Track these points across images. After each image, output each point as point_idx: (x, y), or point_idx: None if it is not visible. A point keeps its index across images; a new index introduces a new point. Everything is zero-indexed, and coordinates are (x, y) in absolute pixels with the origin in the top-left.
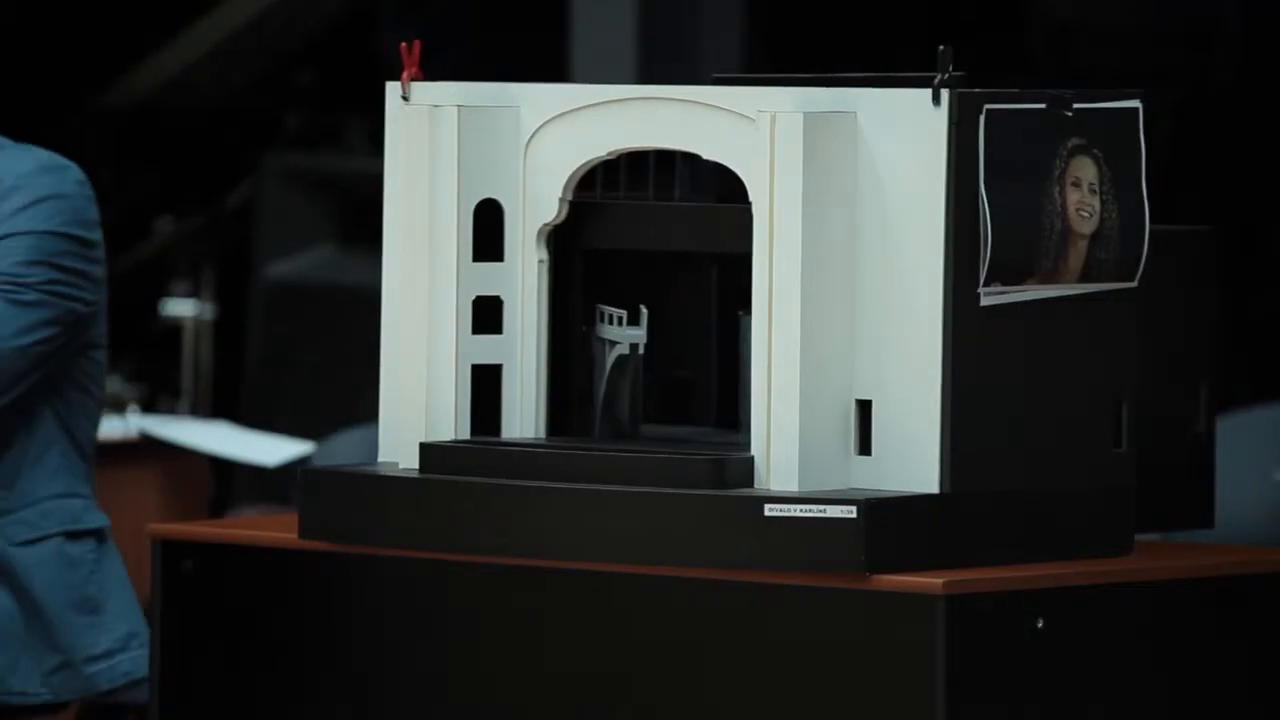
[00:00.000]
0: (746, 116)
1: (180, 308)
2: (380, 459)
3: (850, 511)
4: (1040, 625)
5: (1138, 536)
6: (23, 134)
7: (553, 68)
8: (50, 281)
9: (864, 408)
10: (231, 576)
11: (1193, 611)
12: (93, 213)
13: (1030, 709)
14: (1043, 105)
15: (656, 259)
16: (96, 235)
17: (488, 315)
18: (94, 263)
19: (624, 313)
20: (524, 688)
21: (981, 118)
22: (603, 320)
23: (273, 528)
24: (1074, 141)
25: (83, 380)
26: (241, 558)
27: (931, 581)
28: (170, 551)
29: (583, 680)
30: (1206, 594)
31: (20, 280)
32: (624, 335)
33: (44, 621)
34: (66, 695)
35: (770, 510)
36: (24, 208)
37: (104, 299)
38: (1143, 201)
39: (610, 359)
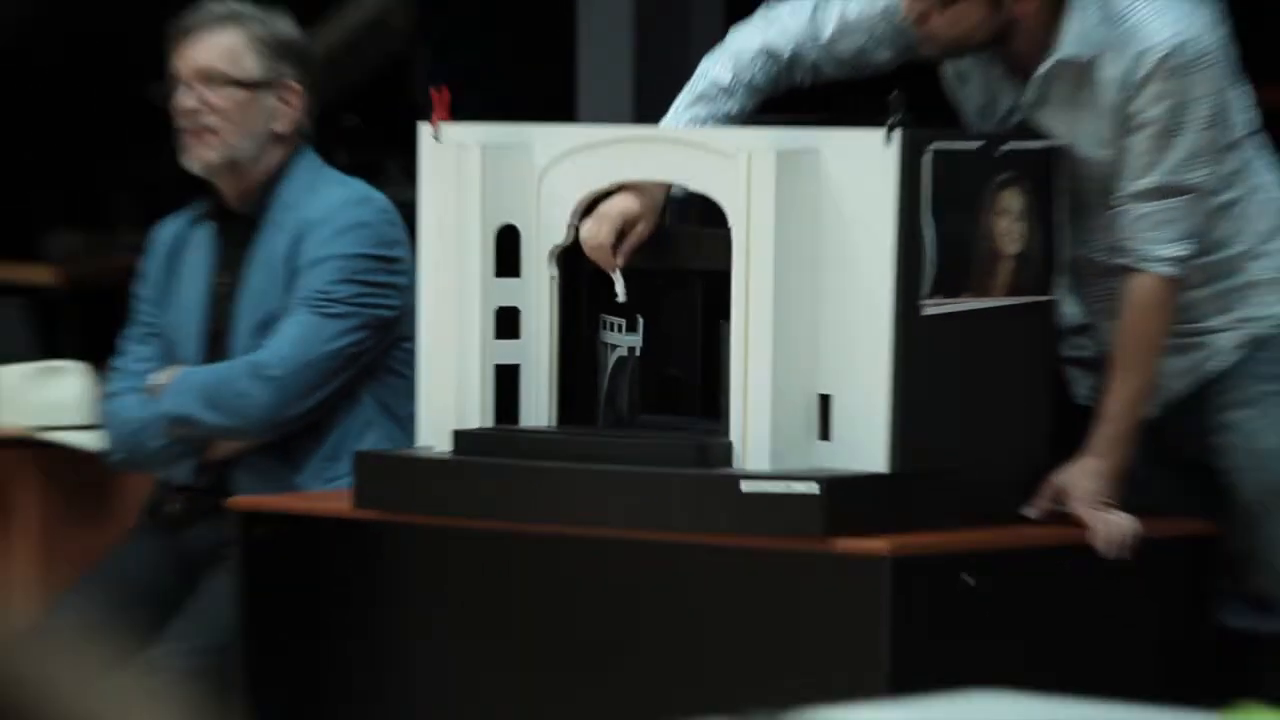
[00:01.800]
0: (727, 154)
1: None
2: (419, 444)
3: (813, 487)
4: (971, 582)
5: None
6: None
7: (561, 108)
8: (356, 295)
9: (824, 401)
10: (297, 540)
11: (1099, 570)
12: (395, 234)
13: (962, 653)
14: (978, 144)
15: (650, 275)
16: (399, 252)
17: (507, 323)
18: (398, 274)
19: (623, 321)
20: (537, 633)
21: (926, 155)
22: (605, 327)
23: (332, 500)
24: (1003, 176)
25: (398, 367)
26: (305, 524)
27: (879, 545)
28: (246, 519)
29: (588, 626)
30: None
31: (330, 296)
32: (623, 340)
33: None
34: None
35: (745, 486)
36: (333, 236)
37: (411, 302)
38: (1061, 227)
39: (611, 360)
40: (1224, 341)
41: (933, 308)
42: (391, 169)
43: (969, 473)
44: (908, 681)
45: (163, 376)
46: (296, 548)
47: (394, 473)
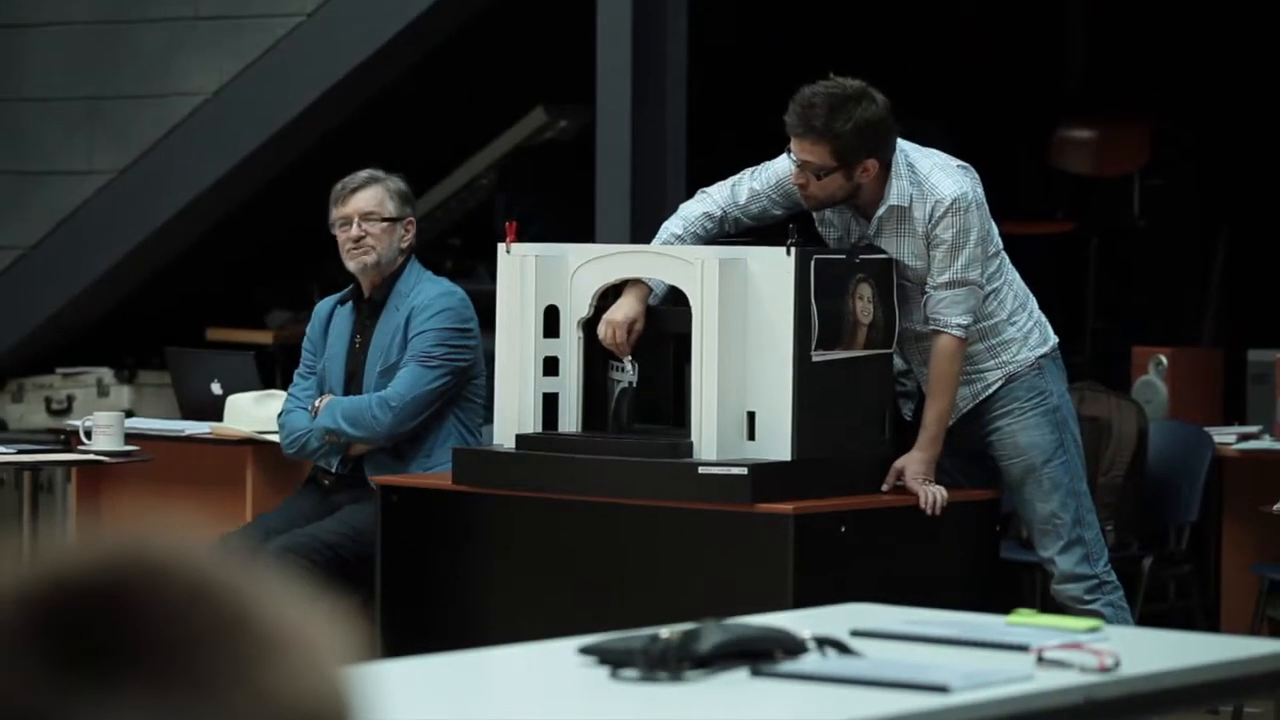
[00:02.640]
0: (689, 261)
1: None
2: (496, 441)
3: (744, 471)
4: (843, 530)
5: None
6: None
7: (586, 233)
8: (445, 354)
9: (751, 415)
10: (417, 505)
11: (924, 523)
12: (469, 314)
13: (840, 579)
14: (843, 256)
15: (642, 335)
16: (471, 325)
17: (551, 366)
18: (470, 339)
19: (624, 364)
20: (569, 561)
21: (811, 263)
22: (612, 370)
23: (439, 479)
24: (858, 276)
25: (471, 397)
26: (422, 494)
27: (786, 508)
28: (386, 491)
29: (601, 557)
30: (924, 512)
31: (429, 355)
32: (624, 377)
33: None
34: None
35: (702, 470)
36: (431, 316)
37: (479, 356)
38: (894, 308)
39: (616, 390)
40: (991, 377)
41: (818, 356)
42: (480, 271)
43: (841, 459)
44: (805, 599)
45: (319, 402)
46: (416, 509)
47: (479, 461)
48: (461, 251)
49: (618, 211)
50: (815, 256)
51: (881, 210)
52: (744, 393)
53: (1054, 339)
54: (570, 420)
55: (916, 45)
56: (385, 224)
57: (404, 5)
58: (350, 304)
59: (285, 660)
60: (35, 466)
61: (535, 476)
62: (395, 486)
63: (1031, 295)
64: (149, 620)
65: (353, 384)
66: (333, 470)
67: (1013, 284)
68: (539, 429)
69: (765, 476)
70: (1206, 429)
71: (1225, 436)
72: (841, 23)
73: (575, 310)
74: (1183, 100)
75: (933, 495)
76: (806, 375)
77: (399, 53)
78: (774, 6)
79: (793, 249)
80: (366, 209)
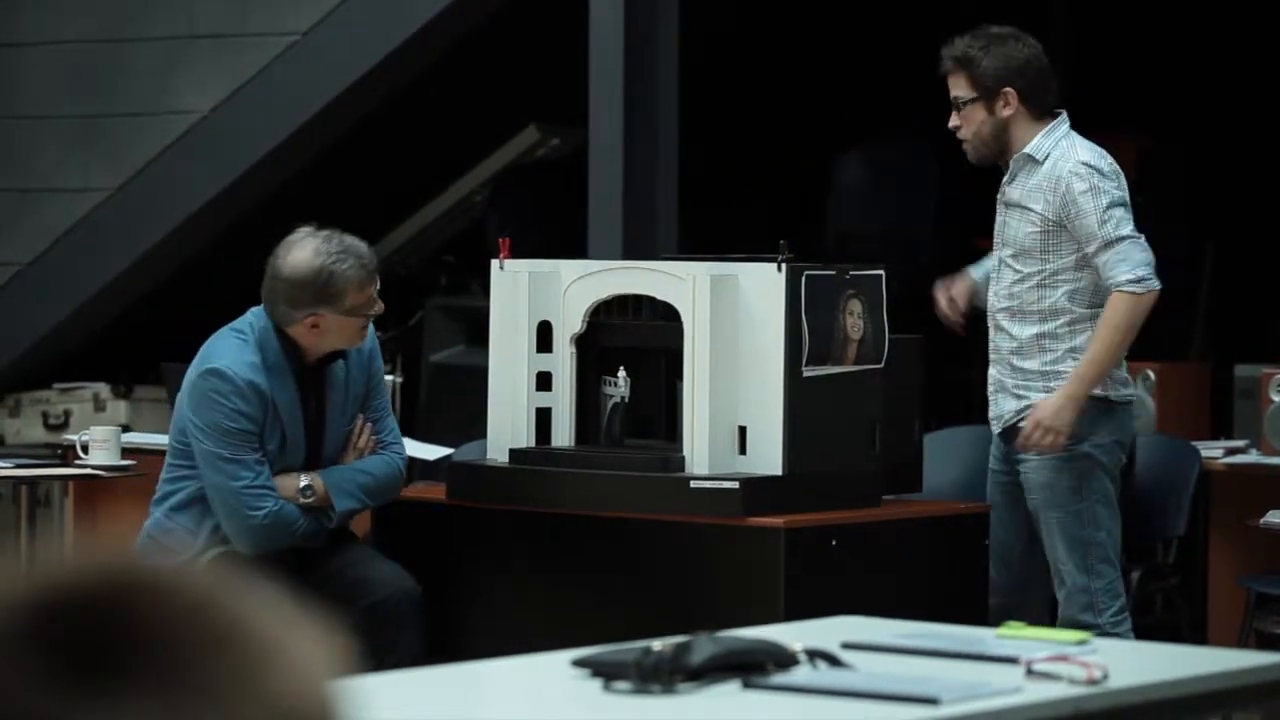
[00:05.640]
0: (680, 277)
1: (386, 379)
2: (489, 456)
3: (735, 484)
4: (834, 544)
5: (884, 496)
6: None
7: (579, 249)
8: None
9: (742, 430)
10: (412, 518)
11: (916, 536)
12: None
13: (829, 592)
14: (833, 272)
15: (634, 352)
16: None
17: (544, 381)
18: None
19: (617, 380)
20: (560, 572)
21: (802, 279)
22: (605, 384)
23: (433, 493)
24: (849, 291)
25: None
26: (417, 507)
27: (777, 521)
28: (381, 506)
29: (592, 569)
30: (921, 527)
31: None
32: (617, 392)
33: None
34: None
35: (694, 484)
36: (379, 355)
37: None
38: (884, 322)
39: (609, 405)
40: (1035, 398)
41: (809, 371)
42: (473, 287)
43: (831, 473)
44: (796, 611)
45: (301, 481)
46: (409, 523)
47: (473, 475)
48: (455, 268)
49: (609, 227)
50: (806, 272)
51: (1018, 154)
52: (735, 407)
53: (1125, 389)
54: (563, 435)
55: (901, 65)
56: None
57: (398, 24)
58: (284, 372)
59: (282, 666)
60: (32, 481)
61: (528, 491)
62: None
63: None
64: (149, 629)
65: (313, 453)
66: (316, 545)
67: (1085, 320)
68: (532, 443)
69: (756, 490)
70: (1194, 443)
71: (1212, 451)
72: (827, 37)
73: (568, 325)
74: (1168, 118)
75: (1031, 435)
76: (797, 390)
77: (393, 71)
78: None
79: (783, 264)
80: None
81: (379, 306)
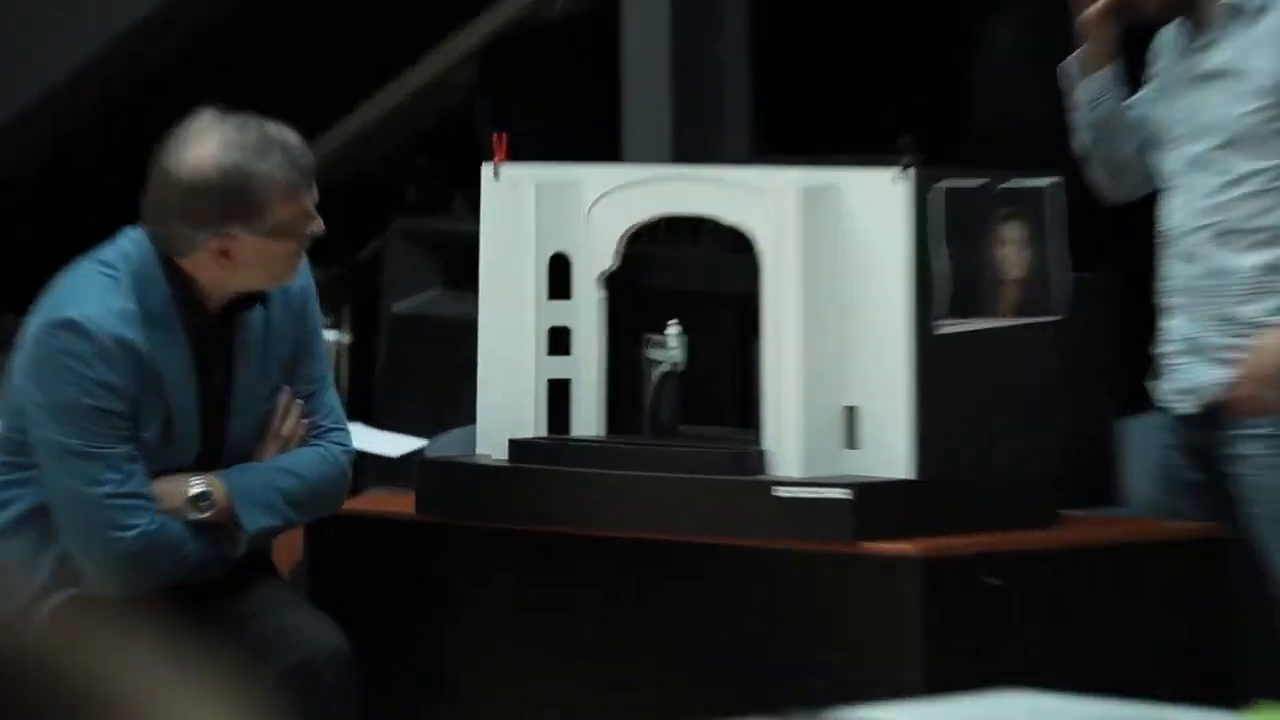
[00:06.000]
0: (756, 189)
1: (326, 336)
2: (478, 451)
3: (843, 493)
4: (988, 580)
5: (1063, 511)
6: None
7: (609, 151)
8: None
9: (851, 412)
10: (363, 541)
11: (1107, 569)
12: None
13: (988, 651)
14: (979, 182)
15: (689, 297)
16: None
17: (559, 341)
18: None
19: (666, 339)
20: (583, 631)
21: (934, 192)
22: (649, 345)
23: (395, 504)
24: (1003, 210)
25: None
26: (371, 527)
27: (907, 548)
28: (317, 522)
29: (632, 625)
30: (1119, 557)
31: (325, 360)
32: (666, 356)
33: None
34: None
35: (778, 492)
36: (316, 300)
37: None
38: (1061, 255)
39: (655, 375)
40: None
41: (946, 328)
42: (457, 204)
43: (985, 479)
44: (939, 679)
45: (192, 486)
46: (361, 549)
47: (454, 479)
48: (428, 174)
49: (652, 117)
50: (941, 182)
51: (1220, 2)
52: (841, 379)
53: None
54: (588, 419)
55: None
56: None
57: None
58: (172, 325)
59: None
60: None
61: (535, 503)
62: (330, 516)
63: None
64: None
65: (213, 445)
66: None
67: None
68: (542, 433)
69: (874, 502)
70: None
71: None
72: None
73: (594, 260)
74: None
75: (1245, 395)
76: (931, 355)
77: None
78: None
79: (907, 170)
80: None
81: (317, 226)
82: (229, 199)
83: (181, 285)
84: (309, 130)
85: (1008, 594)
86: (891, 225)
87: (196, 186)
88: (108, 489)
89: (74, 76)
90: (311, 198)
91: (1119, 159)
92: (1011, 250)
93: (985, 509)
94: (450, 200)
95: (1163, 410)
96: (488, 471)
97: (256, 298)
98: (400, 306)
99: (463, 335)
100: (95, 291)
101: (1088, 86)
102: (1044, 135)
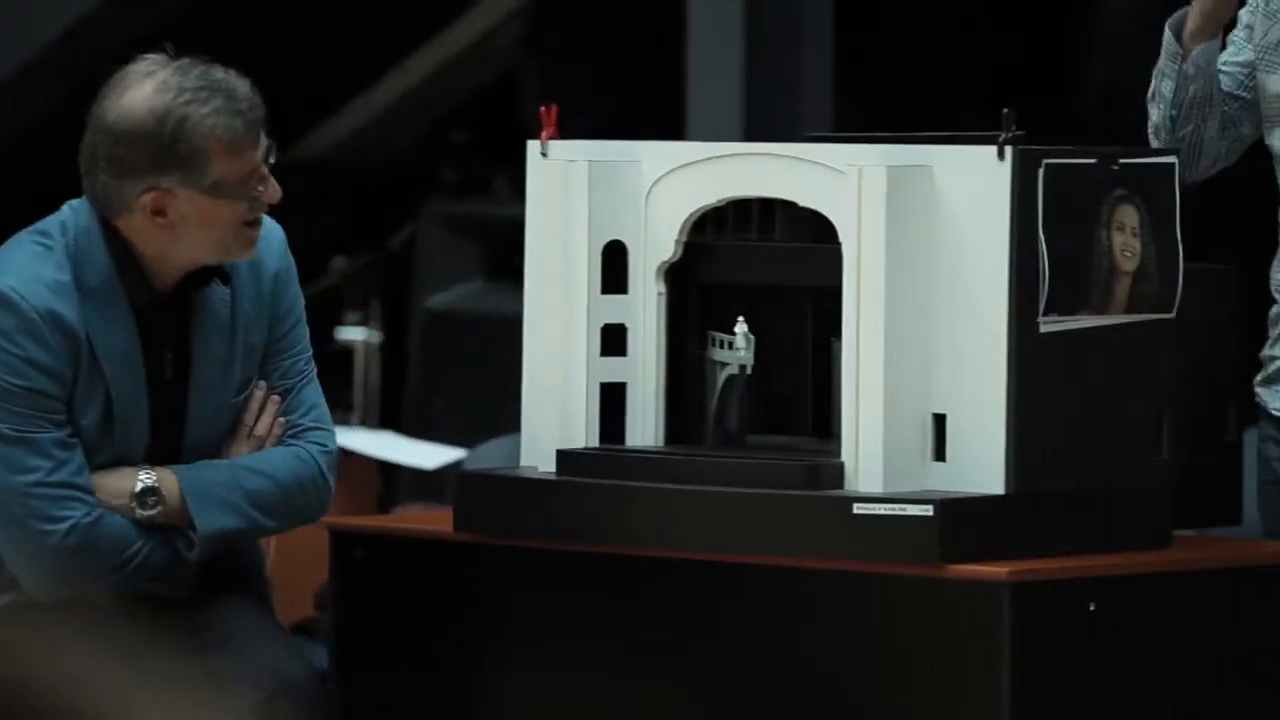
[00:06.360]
0: (837, 170)
1: (352, 334)
2: (522, 463)
3: (927, 510)
4: (1092, 608)
5: (1176, 532)
6: None
7: (671, 126)
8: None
9: (939, 420)
10: (395, 564)
11: (1223, 597)
12: None
13: (1084, 682)
14: (1092, 160)
15: (759, 292)
16: None
17: (614, 340)
18: None
19: (733, 338)
20: (641, 660)
21: (1040, 171)
22: (714, 345)
23: (430, 522)
24: (1118, 192)
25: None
26: (404, 547)
27: (998, 570)
28: (343, 541)
29: (695, 653)
30: (1236, 582)
31: (307, 350)
32: (732, 358)
33: None
34: None
35: (858, 509)
36: (297, 282)
37: None
38: (1177, 243)
39: (721, 378)
40: None
41: (1049, 325)
42: (499, 185)
43: (1087, 494)
44: (1029, 712)
45: (135, 481)
46: (392, 572)
47: (496, 494)
48: (470, 153)
49: (720, 89)
50: (1047, 160)
51: None
52: (927, 384)
53: None
54: (645, 428)
55: None
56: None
57: None
58: (113, 300)
59: None
60: None
61: (586, 520)
62: (356, 534)
63: None
64: None
65: (167, 438)
66: (178, 594)
67: None
68: (594, 443)
69: (964, 520)
70: None
71: None
72: None
73: (653, 249)
74: None
75: None
76: (1031, 356)
77: None
78: None
79: (1009, 148)
80: (267, 155)
81: (270, 191)
82: (161, 147)
83: (125, 256)
84: (332, 102)
85: (1109, 622)
86: (991, 209)
87: (126, 133)
88: (35, 477)
89: (70, 35)
90: (261, 155)
91: (1202, 137)
92: (1126, 237)
93: (1086, 528)
94: (491, 181)
95: (1273, 419)
96: (533, 486)
97: (212, 274)
98: (435, 301)
99: (505, 333)
100: (25, 261)
101: (1195, 57)
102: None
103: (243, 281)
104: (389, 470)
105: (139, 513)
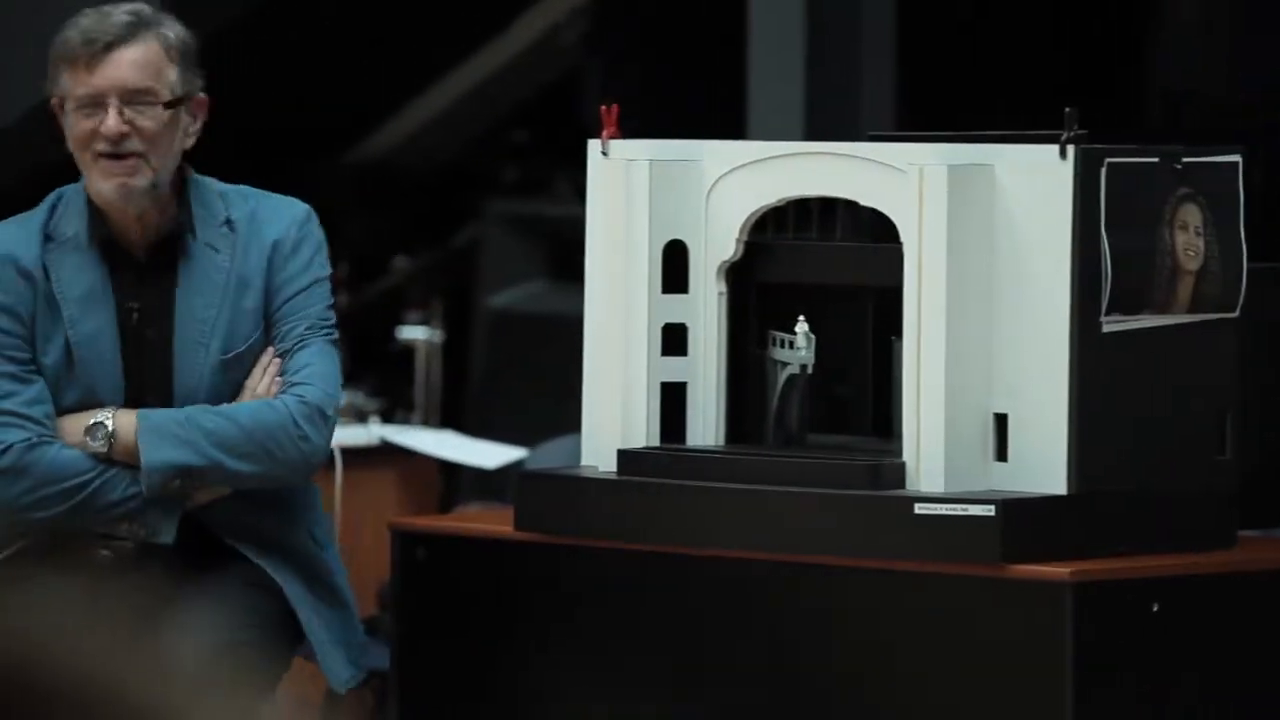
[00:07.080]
0: (898, 169)
1: (414, 333)
2: (583, 463)
3: (989, 510)
4: (1156, 609)
5: (1240, 532)
6: (288, 184)
7: (732, 125)
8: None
9: (1001, 420)
10: (457, 563)
11: None
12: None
13: (1147, 683)
14: (1155, 159)
15: (820, 291)
16: None
17: (674, 340)
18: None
19: (794, 337)
20: (702, 659)
21: (1102, 170)
22: (774, 344)
23: (492, 521)
24: (1182, 190)
25: None
26: (465, 547)
27: (1059, 570)
28: (406, 541)
29: (755, 652)
30: None
31: (326, 320)
32: (793, 357)
33: None
34: None
35: (920, 509)
36: (314, 255)
37: None
38: (1241, 242)
39: (781, 377)
40: None
41: (1112, 324)
42: (560, 185)
43: (1150, 494)
44: (1091, 713)
45: (108, 417)
46: (453, 571)
47: (557, 493)
48: (530, 153)
49: (782, 88)
50: (1109, 159)
51: None
52: (989, 384)
53: None
54: (706, 427)
55: None
56: (167, 112)
57: None
58: (84, 250)
59: None
60: None
61: (647, 520)
62: (419, 533)
63: None
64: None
65: (142, 385)
66: (160, 539)
67: None
68: (655, 443)
69: (1025, 520)
70: None
71: None
72: None
73: (714, 249)
74: None
75: None
76: (1095, 355)
77: None
78: None
79: (1071, 146)
80: (136, 85)
81: (108, 121)
82: (50, 57)
83: (100, 213)
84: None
85: (1172, 623)
86: (1053, 208)
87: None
88: None
89: None
90: (101, 82)
91: None
92: (1189, 237)
93: (1149, 528)
94: (552, 181)
95: None
96: (594, 485)
97: (181, 235)
98: (497, 301)
99: (566, 333)
100: (5, 220)
101: None
102: (1229, 109)
103: (241, 248)
104: (450, 470)
105: (90, 445)
